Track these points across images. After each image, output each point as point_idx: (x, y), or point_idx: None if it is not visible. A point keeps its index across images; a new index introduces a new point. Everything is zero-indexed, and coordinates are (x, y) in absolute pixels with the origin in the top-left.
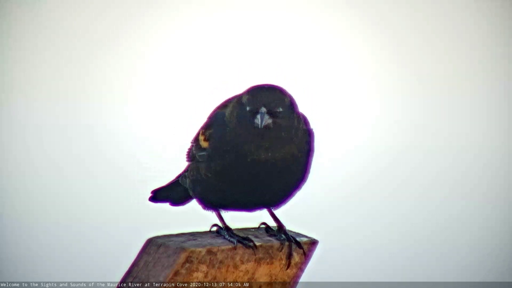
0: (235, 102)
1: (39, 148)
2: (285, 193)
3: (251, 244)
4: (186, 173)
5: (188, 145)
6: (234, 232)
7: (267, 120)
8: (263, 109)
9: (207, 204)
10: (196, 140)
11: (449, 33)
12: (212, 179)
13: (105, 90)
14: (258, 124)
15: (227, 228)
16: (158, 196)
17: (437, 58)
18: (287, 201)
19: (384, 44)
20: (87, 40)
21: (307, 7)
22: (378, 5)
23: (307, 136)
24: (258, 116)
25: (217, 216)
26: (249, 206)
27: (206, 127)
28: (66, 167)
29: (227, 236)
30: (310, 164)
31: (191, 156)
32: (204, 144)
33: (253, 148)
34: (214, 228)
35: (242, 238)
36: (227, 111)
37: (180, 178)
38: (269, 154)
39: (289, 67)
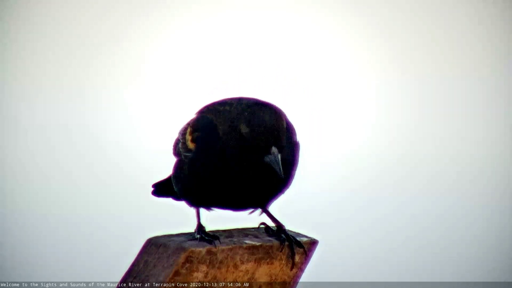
0: (227, 122)
1: (39, 148)
2: (267, 199)
3: (211, 239)
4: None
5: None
6: (205, 231)
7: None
8: (275, 150)
9: (191, 202)
10: (183, 137)
11: (451, 35)
12: (194, 180)
13: (104, 91)
14: (278, 172)
15: (199, 226)
16: (159, 190)
17: (439, 60)
18: (270, 204)
19: (384, 46)
20: (88, 40)
21: (307, 7)
22: (379, 5)
23: (293, 148)
24: (273, 158)
25: (196, 213)
26: (233, 207)
27: (194, 129)
28: (66, 167)
29: (196, 235)
30: (294, 173)
31: (177, 151)
32: (191, 145)
33: (242, 170)
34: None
35: (208, 235)
36: (220, 122)
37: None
38: (255, 179)
39: (289, 67)
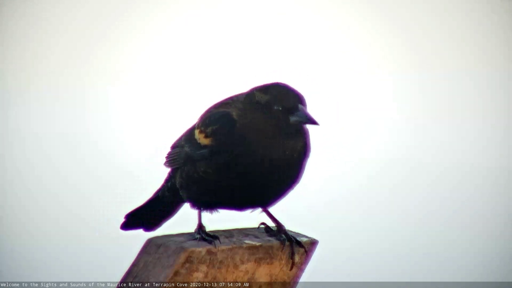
0: (248, 102)
1: (39, 150)
2: (279, 193)
3: (211, 239)
4: (173, 180)
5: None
6: (205, 231)
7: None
8: (301, 106)
9: (197, 203)
10: (190, 140)
11: (469, 34)
12: (211, 175)
13: (102, 95)
14: (314, 122)
15: (200, 227)
16: (132, 220)
17: (457, 62)
18: (278, 201)
19: (399, 43)
20: (82, 42)
21: (312, 4)
22: (391, 5)
23: (304, 136)
24: (300, 114)
25: (198, 214)
26: (241, 204)
27: (206, 125)
28: (66, 167)
29: (196, 235)
30: (305, 164)
31: (179, 159)
32: (205, 141)
33: (266, 145)
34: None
35: (208, 236)
36: (233, 110)
37: (160, 192)
38: (280, 152)
39: (298, 65)
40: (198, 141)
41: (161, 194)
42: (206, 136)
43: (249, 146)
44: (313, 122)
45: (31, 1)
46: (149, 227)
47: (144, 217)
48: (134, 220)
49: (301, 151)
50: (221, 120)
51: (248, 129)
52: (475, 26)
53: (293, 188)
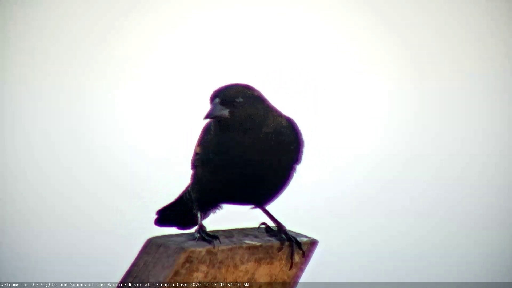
0: None
1: (41, 148)
2: (270, 193)
3: (211, 239)
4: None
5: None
6: (206, 231)
7: (220, 111)
8: (217, 100)
9: (200, 202)
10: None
11: (466, 35)
12: (207, 177)
13: (106, 96)
14: (208, 114)
15: (200, 227)
16: (163, 217)
17: (453, 62)
18: (273, 200)
19: (396, 47)
20: (86, 42)
21: (318, 8)
22: (389, 4)
23: (297, 143)
24: (210, 107)
25: (197, 215)
26: (238, 201)
27: (200, 134)
28: (66, 168)
29: (196, 235)
30: (295, 168)
31: (193, 163)
32: (197, 149)
33: (237, 148)
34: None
35: (208, 235)
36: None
37: (184, 194)
38: (255, 153)
39: (299, 69)
40: (196, 149)
41: (184, 196)
42: (198, 145)
43: (222, 151)
44: (206, 116)
45: (42, 4)
46: (181, 226)
47: (172, 215)
48: (165, 217)
49: (285, 149)
50: (204, 130)
51: (220, 136)
52: (472, 26)
53: (286, 186)
